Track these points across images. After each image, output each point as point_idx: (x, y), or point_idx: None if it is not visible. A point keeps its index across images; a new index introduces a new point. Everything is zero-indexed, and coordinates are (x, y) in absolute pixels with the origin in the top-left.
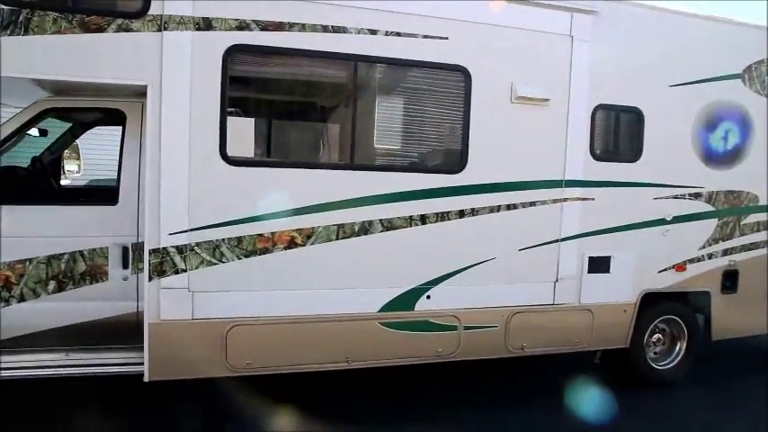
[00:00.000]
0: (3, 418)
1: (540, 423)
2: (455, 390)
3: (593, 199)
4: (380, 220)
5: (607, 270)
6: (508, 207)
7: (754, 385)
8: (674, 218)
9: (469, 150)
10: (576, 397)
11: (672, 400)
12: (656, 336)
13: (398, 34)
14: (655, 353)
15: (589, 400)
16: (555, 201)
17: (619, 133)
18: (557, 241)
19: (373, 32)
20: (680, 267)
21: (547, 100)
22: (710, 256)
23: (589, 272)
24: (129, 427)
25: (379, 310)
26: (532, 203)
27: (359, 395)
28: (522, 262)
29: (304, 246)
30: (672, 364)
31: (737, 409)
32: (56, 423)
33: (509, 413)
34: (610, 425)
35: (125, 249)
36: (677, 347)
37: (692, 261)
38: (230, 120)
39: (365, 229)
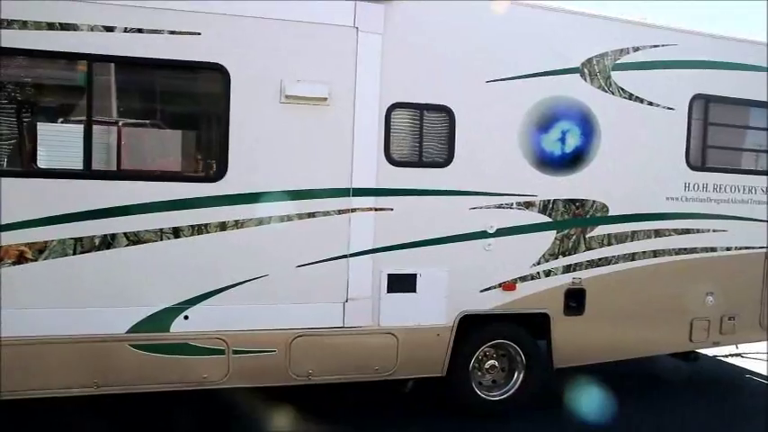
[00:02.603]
0: None
1: None
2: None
3: (392, 209)
4: (125, 233)
5: (413, 289)
6: (281, 219)
7: None
8: (498, 230)
9: (230, 156)
10: None
11: None
12: (490, 362)
13: (140, 31)
14: (493, 381)
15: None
16: (341, 211)
17: (423, 135)
18: (344, 257)
19: (110, 29)
20: (508, 286)
21: (325, 99)
22: (548, 274)
23: (389, 291)
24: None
25: (128, 331)
26: (311, 215)
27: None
28: (301, 280)
29: (36, 261)
30: (507, 395)
31: None
32: None
33: None
34: None
35: None
36: (515, 376)
37: (523, 279)
38: None
39: (107, 242)
